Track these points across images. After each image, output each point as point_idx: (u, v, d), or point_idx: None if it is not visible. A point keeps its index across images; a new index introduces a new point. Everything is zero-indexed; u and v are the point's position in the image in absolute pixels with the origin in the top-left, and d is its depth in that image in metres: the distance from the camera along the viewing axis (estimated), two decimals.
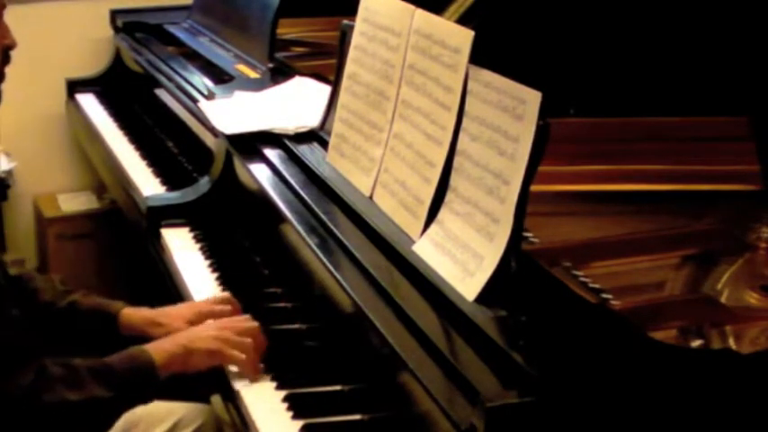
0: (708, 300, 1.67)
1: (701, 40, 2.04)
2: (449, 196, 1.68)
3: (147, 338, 1.86)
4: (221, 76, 2.87)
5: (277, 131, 2.29)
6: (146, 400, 1.78)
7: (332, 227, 1.87)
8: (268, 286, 2.06)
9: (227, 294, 1.99)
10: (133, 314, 1.93)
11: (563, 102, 2.04)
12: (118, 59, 3.64)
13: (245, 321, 1.83)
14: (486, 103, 1.61)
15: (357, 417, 1.62)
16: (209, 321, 1.86)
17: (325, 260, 1.79)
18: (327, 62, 2.59)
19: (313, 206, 1.96)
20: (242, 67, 2.91)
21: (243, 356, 1.75)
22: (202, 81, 2.83)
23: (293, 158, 2.19)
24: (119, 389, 1.69)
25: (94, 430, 1.74)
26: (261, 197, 2.14)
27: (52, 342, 1.94)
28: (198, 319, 1.89)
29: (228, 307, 1.92)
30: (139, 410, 1.94)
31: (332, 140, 2.09)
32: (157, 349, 1.76)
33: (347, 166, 2.01)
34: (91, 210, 3.69)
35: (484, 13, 2.27)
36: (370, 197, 1.91)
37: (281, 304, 1.99)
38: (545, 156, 1.51)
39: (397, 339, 1.52)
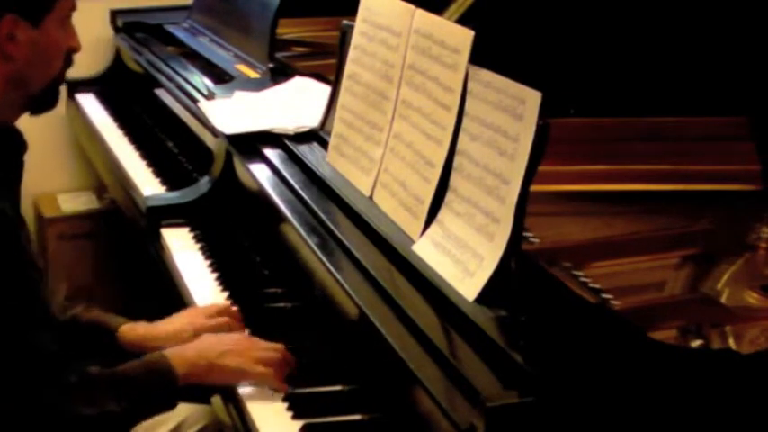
0: (708, 300, 1.67)
1: (701, 40, 2.04)
2: (449, 196, 1.68)
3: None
4: (221, 76, 2.87)
5: (277, 131, 2.29)
6: (165, 409, 1.73)
7: (332, 227, 1.87)
8: (268, 286, 2.06)
9: (226, 303, 1.96)
10: (129, 332, 1.90)
11: (563, 102, 2.04)
12: (118, 59, 3.64)
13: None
14: (486, 103, 1.61)
15: (357, 417, 1.62)
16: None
17: (325, 260, 1.79)
18: (327, 62, 2.59)
19: (313, 206, 1.96)
20: (242, 67, 2.91)
21: (269, 371, 1.69)
22: (202, 81, 2.83)
23: (293, 158, 2.19)
24: (134, 401, 1.64)
25: None
26: (261, 197, 2.13)
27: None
28: (196, 335, 1.85)
29: (226, 319, 1.88)
30: None
31: (332, 140, 2.09)
32: (178, 358, 1.70)
33: (347, 166, 2.01)
34: (91, 210, 3.68)
35: (484, 13, 2.27)
36: (370, 197, 1.91)
37: (281, 304, 1.98)
38: (545, 156, 1.51)
39: (398, 339, 1.52)
